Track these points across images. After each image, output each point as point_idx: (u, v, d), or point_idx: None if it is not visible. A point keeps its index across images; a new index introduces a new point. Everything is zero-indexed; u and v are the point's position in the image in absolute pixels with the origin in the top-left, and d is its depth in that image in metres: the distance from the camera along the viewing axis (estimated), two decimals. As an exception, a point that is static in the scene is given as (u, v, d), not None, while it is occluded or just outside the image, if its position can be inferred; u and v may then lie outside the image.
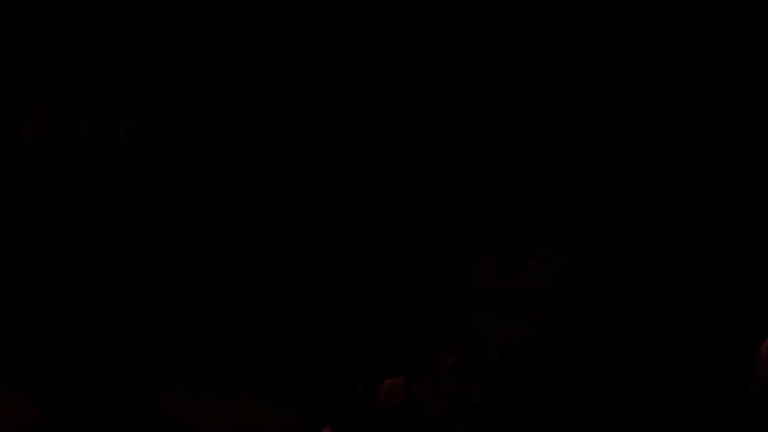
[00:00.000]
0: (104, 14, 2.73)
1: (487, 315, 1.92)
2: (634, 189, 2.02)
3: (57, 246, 2.51)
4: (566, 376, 1.75)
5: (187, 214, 2.71)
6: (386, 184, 2.53)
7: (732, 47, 2.19)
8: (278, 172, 2.66)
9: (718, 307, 1.94)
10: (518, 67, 2.30)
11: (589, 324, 1.82)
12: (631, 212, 2.00)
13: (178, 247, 2.68)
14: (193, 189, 2.70)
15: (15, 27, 2.81)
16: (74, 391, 2.17)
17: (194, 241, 2.68)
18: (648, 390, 1.76)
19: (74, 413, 2.08)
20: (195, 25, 2.69)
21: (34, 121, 2.68)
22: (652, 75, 2.22)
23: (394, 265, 2.39)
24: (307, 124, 2.64)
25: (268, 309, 2.62)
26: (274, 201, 2.70)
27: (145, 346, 2.56)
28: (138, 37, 2.71)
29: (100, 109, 2.74)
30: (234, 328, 2.62)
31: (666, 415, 1.75)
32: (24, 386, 2.12)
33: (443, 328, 2.04)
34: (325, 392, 2.25)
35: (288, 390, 2.42)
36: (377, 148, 2.57)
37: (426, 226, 2.39)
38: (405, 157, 2.52)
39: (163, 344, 2.62)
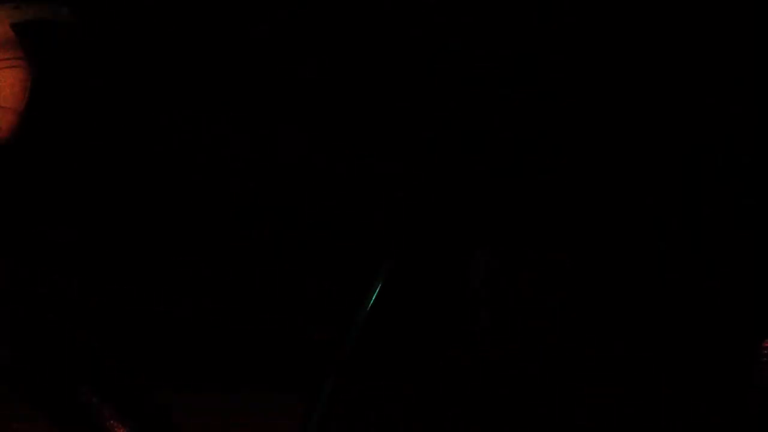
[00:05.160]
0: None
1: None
2: (634, 189, 2.02)
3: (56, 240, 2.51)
4: (563, 377, 1.75)
5: (176, 212, 2.71)
6: (383, 184, 2.54)
7: (732, 47, 2.20)
8: (270, 170, 2.66)
9: (718, 307, 1.95)
10: (517, 66, 2.30)
11: (588, 323, 1.82)
12: (631, 212, 2.00)
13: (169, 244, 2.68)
14: (181, 185, 2.70)
15: None
16: (74, 391, 2.17)
17: (188, 238, 2.68)
18: (647, 390, 1.77)
19: (73, 411, 2.08)
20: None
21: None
22: (652, 75, 2.23)
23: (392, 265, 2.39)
24: (303, 122, 2.65)
25: (265, 305, 2.62)
26: (265, 198, 2.70)
27: (140, 346, 2.56)
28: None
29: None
30: (231, 325, 2.62)
31: (665, 415, 1.75)
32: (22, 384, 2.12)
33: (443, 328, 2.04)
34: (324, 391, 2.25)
35: (288, 388, 2.42)
36: (372, 147, 2.57)
37: (423, 225, 2.39)
38: (401, 156, 2.53)
39: (159, 344, 2.62)
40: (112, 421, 1.97)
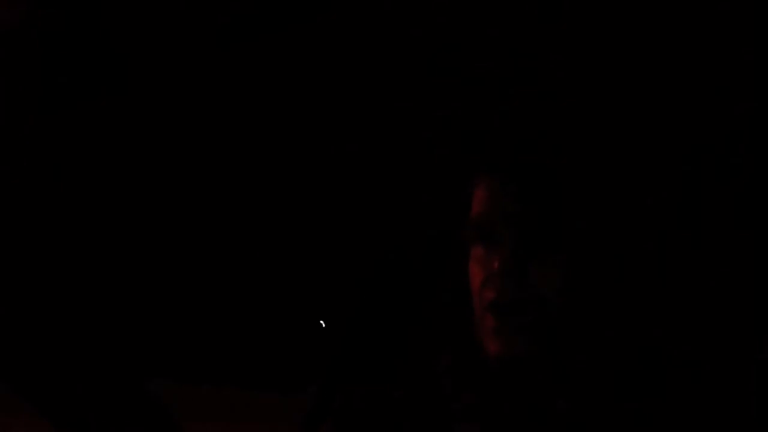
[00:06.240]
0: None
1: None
2: (635, 189, 2.02)
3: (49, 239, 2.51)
4: (567, 377, 1.74)
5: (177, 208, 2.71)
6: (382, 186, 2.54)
7: (732, 47, 2.19)
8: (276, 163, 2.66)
9: (718, 307, 1.95)
10: (517, 66, 2.30)
11: (588, 324, 1.82)
12: (631, 212, 2.00)
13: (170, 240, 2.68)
14: (185, 186, 2.70)
15: None
16: (67, 384, 2.17)
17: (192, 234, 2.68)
18: (648, 390, 1.76)
19: (68, 407, 2.08)
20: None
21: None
22: (652, 75, 2.23)
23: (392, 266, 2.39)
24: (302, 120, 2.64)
25: (264, 300, 2.62)
26: (263, 196, 2.70)
27: (133, 338, 2.56)
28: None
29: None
30: (229, 320, 2.61)
31: (665, 415, 1.74)
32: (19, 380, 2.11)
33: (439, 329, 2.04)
34: (320, 390, 2.25)
35: (284, 386, 2.42)
36: (372, 147, 2.57)
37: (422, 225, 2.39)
38: (401, 157, 2.52)
39: (152, 336, 2.62)
40: (102, 415, 1.96)
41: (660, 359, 1.80)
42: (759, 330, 1.95)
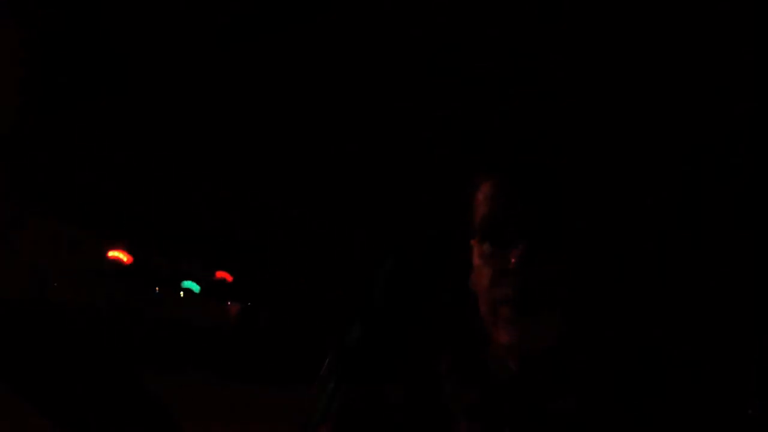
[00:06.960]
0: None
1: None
2: (635, 189, 2.02)
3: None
4: (567, 377, 1.74)
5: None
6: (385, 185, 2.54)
7: (732, 47, 2.20)
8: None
9: (718, 307, 1.95)
10: (518, 67, 2.30)
11: (589, 324, 1.82)
12: (631, 212, 2.00)
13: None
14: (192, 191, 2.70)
15: None
16: (67, 384, 2.17)
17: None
18: (648, 390, 1.76)
19: (70, 406, 2.07)
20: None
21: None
22: (652, 75, 2.23)
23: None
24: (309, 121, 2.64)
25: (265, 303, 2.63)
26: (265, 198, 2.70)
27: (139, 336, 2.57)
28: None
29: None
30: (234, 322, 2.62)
31: (666, 414, 1.74)
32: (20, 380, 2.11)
33: (441, 327, 2.03)
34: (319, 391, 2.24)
35: (284, 385, 2.42)
36: (375, 147, 2.57)
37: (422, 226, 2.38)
38: (402, 157, 2.53)
39: (158, 334, 2.62)
40: (105, 412, 1.96)
41: (660, 359, 1.81)
42: (759, 330, 1.95)
